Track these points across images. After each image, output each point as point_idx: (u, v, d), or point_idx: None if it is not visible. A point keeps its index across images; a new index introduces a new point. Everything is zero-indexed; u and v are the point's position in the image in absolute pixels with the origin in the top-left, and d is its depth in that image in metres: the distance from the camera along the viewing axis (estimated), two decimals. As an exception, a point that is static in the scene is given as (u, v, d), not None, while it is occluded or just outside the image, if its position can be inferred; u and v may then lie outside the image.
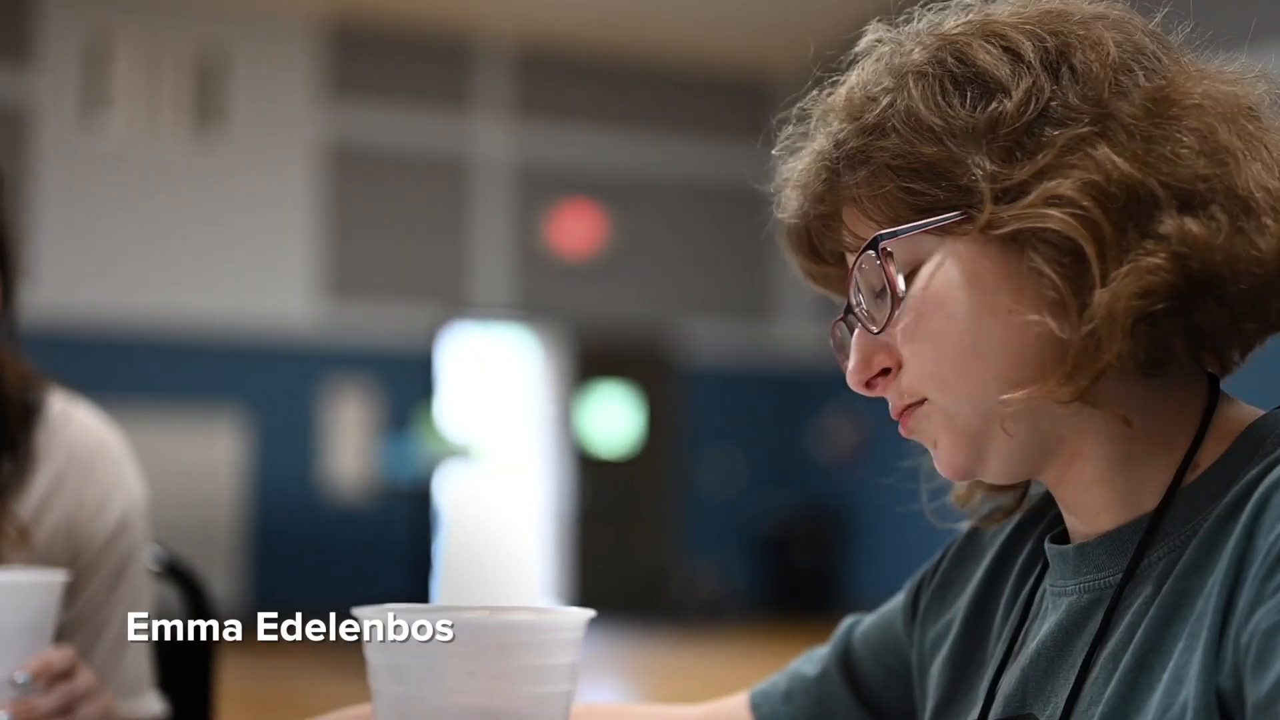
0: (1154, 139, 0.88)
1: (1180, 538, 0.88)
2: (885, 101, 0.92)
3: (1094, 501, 0.94)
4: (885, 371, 0.95)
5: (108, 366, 9.17)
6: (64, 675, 1.22)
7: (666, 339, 11.11)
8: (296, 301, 10.05)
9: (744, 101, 11.23)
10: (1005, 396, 0.89)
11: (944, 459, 0.94)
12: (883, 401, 0.98)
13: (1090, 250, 0.86)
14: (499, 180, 10.63)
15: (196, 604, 1.71)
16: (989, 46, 0.92)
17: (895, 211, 0.92)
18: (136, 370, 9.50)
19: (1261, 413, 0.93)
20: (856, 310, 0.95)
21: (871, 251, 0.92)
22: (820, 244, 1.01)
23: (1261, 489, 0.83)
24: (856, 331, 0.96)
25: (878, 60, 0.96)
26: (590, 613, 0.84)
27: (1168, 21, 0.96)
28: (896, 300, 0.92)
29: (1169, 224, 0.85)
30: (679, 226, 11.12)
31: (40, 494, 1.53)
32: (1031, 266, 0.87)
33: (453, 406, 10.71)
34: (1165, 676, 0.84)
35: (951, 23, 0.95)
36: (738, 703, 1.17)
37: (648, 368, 11.08)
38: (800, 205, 1.00)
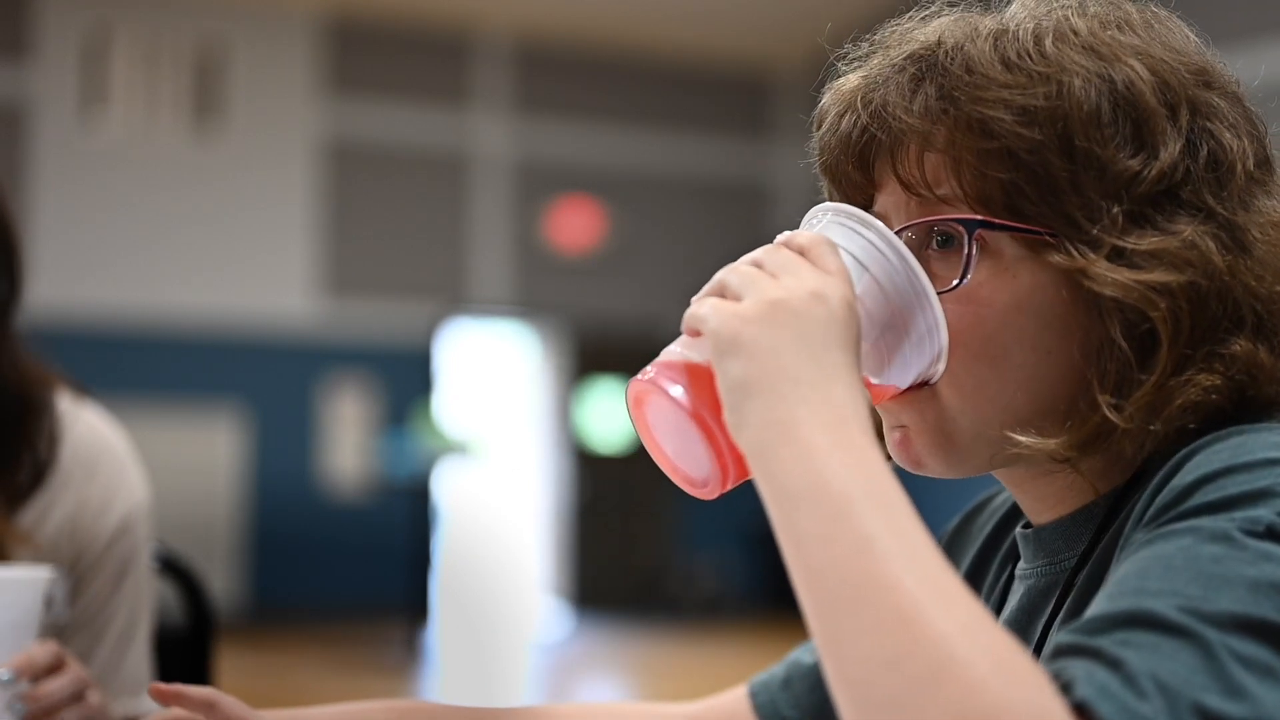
0: (1264, 260, 0.86)
1: (1125, 515, 0.87)
2: (1042, 90, 0.86)
3: (1048, 500, 0.94)
4: None
5: (106, 363, 9.16)
6: (50, 670, 1.22)
7: (665, 335, 11.09)
8: (295, 298, 10.04)
9: (743, 97, 11.22)
10: (1011, 435, 0.87)
11: (911, 455, 0.92)
12: None
13: (1165, 347, 0.84)
14: (498, 176, 10.63)
15: (195, 601, 1.71)
16: (1156, 88, 0.87)
17: (988, 190, 0.87)
18: (134, 367, 9.49)
19: None
20: None
21: (964, 230, 0.87)
22: (871, 158, 0.93)
23: (1180, 454, 0.81)
24: None
25: (1033, 15, 0.90)
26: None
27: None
28: (960, 284, 0.87)
29: (1240, 346, 0.84)
30: (678, 222, 11.11)
31: (44, 494, 1.53)
32: (1111, 339, 0.85)
33: (452, 403, 10.71)
34: None
35: (1094, 9, 0.90)
36: (737, 695, 1.17)
37: (646, 364, 11.07)
38: (877, 116, 0.92)
